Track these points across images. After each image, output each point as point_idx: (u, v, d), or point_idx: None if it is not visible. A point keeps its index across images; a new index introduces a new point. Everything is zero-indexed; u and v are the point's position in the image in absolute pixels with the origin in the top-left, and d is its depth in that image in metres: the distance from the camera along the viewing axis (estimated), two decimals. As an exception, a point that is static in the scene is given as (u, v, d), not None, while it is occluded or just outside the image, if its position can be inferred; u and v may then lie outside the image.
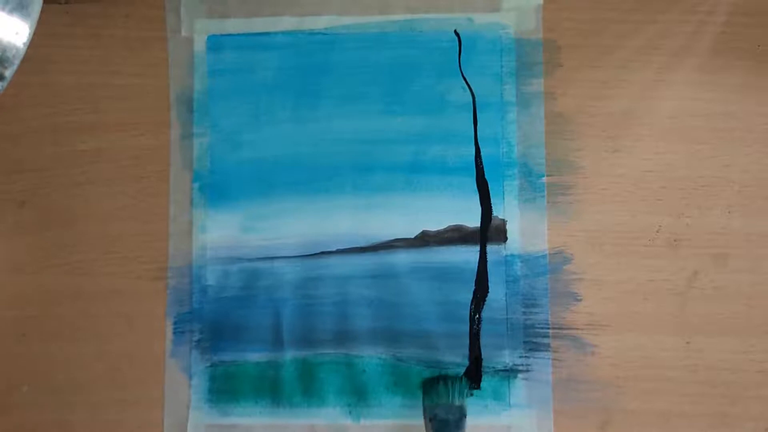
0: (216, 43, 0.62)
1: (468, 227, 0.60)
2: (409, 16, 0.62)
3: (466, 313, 0.59)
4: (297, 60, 0.62)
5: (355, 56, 0.62)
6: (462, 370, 0.59)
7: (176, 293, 0.61)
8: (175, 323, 0.61)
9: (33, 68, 0.61)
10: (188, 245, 0.61)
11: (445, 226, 0.60)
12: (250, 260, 0.61)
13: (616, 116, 0.61)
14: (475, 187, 0.60)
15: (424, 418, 0.57)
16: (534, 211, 0.60)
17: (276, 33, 0.62)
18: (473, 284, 0.59)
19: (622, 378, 0.59)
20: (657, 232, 0.60)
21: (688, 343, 0.59)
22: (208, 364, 0.61)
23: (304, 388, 0.60)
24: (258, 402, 0.60)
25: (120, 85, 0.63)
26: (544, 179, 0.60)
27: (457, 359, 0.59)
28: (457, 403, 0.57)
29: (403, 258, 0.60)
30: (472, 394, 0.59)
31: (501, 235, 0.60)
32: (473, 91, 0.61)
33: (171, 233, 0.61)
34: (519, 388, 0.59)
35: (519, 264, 0.60)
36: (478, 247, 0.60)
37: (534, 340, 0.59)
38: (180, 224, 0.61)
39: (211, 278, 0.61)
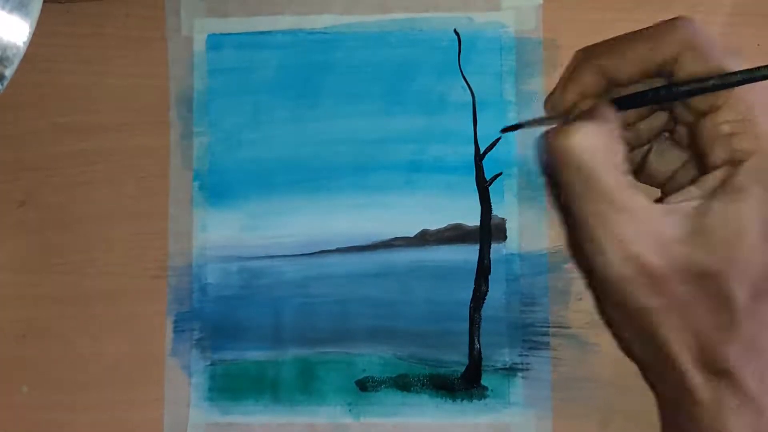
0: (216, 42, 0.62)
1: (467, 226, 0.60)
2: (409, 16, 0.62)
3: (466, 311, 0.59)
4: (297, 59, 0.62)
5: (355, 55, 0.62)
6: (461, 369, 0.59)
7: (176, 292, 0.61)
8: (175, 322, 0.61)
9: (33, 68, 0.61)
10: (188, 244, 0.61)
11: (445, 225, 0.60)
12: (250, 259, 0.61)
13: (616, 115, 0.61)
14: (474, 186, 0.60)
15: None
16: (534, 210, 0.60)
17: (276, 32, 0.62)
18: (473, 283, 0.60)
19: (623, 377, 0.59)
20: (657, 231, 0.60)
21: (688, 341, 0.59)
22: (209, 363, 0.61)
23: (304, 386, 0.60)
24: (258, 400, 0.60)
25: (120, 85, 0.63)
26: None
27: (456, 357, 0.59)
28: None
29: (402, 257, 0.60)
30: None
31: (501, 234, 0.60)
32: (473, 90, 0.61)
33: (171, 232, 0.61)
34: (518, 386, 0.59)
35: (519, 262, 0.60)
36: (477, 246, 0.60)
37: (534, 338, 0.59)
38: (180, 223, 0.61)
39: (211, 277, 0.61)
